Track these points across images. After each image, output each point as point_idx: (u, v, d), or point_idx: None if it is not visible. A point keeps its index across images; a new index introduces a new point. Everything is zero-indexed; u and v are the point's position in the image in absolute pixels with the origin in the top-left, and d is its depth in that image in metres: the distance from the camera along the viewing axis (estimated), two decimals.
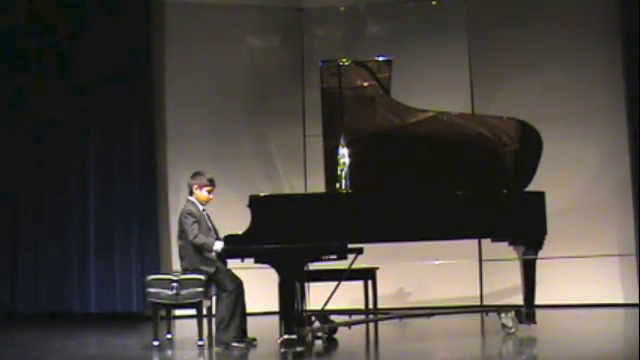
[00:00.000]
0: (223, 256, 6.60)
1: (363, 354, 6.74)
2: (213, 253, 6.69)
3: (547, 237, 6.87)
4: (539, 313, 6.99)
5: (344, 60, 6.61)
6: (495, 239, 7.19)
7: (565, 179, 8.86)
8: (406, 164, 6.95)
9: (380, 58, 6.92)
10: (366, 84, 6.81)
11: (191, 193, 6.98)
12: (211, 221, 6.99)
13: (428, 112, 6.99)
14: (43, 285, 9.04)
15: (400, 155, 6.95)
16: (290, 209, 6.23)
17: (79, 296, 8.97)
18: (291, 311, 6.15)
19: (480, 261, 9.31)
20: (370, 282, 7.80)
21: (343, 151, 6.48)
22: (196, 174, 7.01)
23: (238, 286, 6.75)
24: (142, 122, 9.18)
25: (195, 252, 6.76)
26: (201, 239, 6.71)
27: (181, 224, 6.84)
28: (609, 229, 8.90)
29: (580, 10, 9.18)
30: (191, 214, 6.80)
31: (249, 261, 6.24)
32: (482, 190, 6.84)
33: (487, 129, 7.03)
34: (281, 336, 6.28)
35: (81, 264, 8.98)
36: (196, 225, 6.76)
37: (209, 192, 6.96)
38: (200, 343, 6.75)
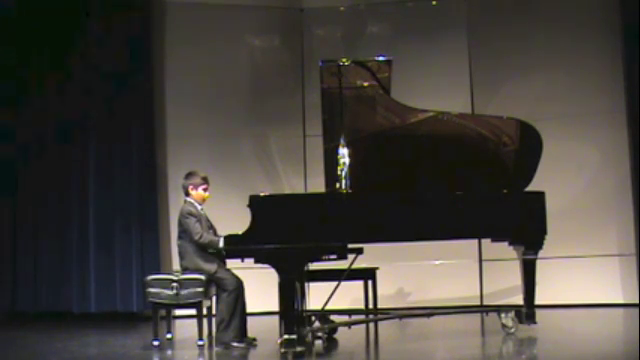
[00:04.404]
0: (224, 255, 6.61)
1: (363, 354, 6.73)
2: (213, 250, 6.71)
3: (547, 237, 6.86)
4: (539, 313, 6.99)
5: (344, 60, 6.61)
6: (495, 239, 7.19)
7: (565, 179, 8.87)
8: (406, 164, 6.95)
9: (380, 58, 6.91)
10: (366, 84, 6.81)
11: (187, 194, 6.98)
12: (209, 220, 7.00)
13: (428, 112, 6.99)
14: (43, 285, 9.04)
15: (400, 155, 6.95)
16: (290, 209, 6.23)
17: (79, 296, 8.97)
18: (291, 311, 6.15)
19: (480, 261, 9.31)
20: (370, 282, 7.80)
21: (343, 151, 6.47)
22: (189, 174, 7.01)
23: (238, 286, 6.76)
24: (142, 122, 9.17)
25: (196, 251, 6.77)
26: (207, 238, 6.71)
27: (181, 224, 6.84)
28: (609, 229, 8.90)
29: (580, 10, 9.19)
30: (191, 214, 6.81)
31: (249, 261, 6.23)
32: (482, 190, 6.85)
33: (487, 129, 7.03)
34: (281, 336, 6.28)
35: (81, 264, 8.98)
36: (198, 224, 6.77)
37: (205, 190, 6.97)
38: (200, 343, 6.75)
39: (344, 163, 6.46)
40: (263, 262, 6.16)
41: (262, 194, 6.32)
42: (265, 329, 7.21)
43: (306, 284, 6.97)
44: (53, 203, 9.11)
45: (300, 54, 9.78)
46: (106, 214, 9.04)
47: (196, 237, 6.71)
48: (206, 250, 6.75)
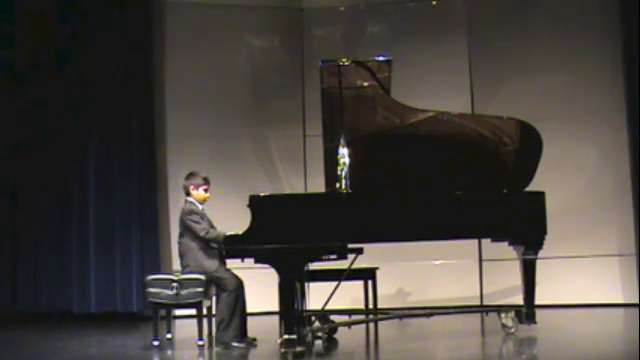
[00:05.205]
0: (224, 255, 6.62)
1: (363, 354, 6.73)
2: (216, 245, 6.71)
3: (547, 237, 6.86)
4: (539, 313, 6.99)
5: (344, 60, 6.61)
6: (495, 239, 7.19)
7: (565, 179, 8.87)
8: (406, 164, 6.95)
9: (380, 58, 6.92)
10: (366, 84, 6.81)
11: (188, 194, 6.98)
12: (209, 220, 7.00)
13: (428, 112, 6.99)
14: (43, 285, 9.03)
15: (400, 155, 6.95)
16: (290, 209, 6.23)
17: (79, 296, 8.97)
18: (291, 311, 6.15)
19: (480, 261, 9.31)
20: (370, 282, 7.80)
21: (343, 151, 6.47)
22: (190, 175, 7.02)
23: (238, 286, 6.76)
24: (142, 122, 9.17)
25: (199, 248, 6.78)
26: (213, 233, 6.74)
27: (183, 223, 6.84)
28: (609, 229, 8.90)
29: (580, 10, 9.18)
30: (194, 212, 6.82)
31: (249, 261, 6.24)
32: (482, 190, 6.85)
33: (487, 129, 7.03)
34: (281, 336, 6.28)
35: (81, 264, 8.98)
36: (203, 221, 6.79)
37: (205, 191, 6.98)
38: (200, 343, 6.75)
39: (344, 163, 6.46)
40: (263, 262, 6.16)
41: (262, 194, 6.32)
42: (265, 329, 7.21)
43: (306, 284, 6.98)
44: (53, 203, 9.11)
45: (300, 54, 9.78)
46: (106, 214, 9.04)
47: (202, 233, 6.72)
48: (209, 247, 6.76)
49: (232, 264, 6.73)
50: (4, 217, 9.08)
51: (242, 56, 9.71)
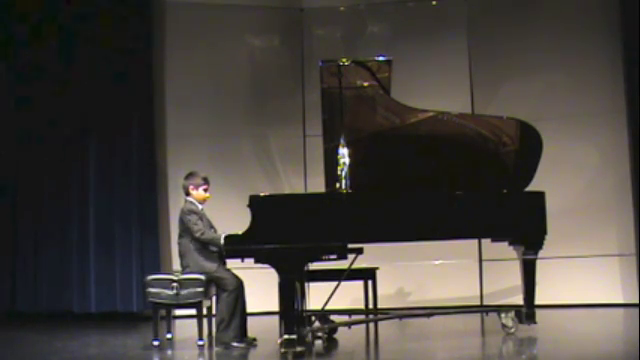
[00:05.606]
0: (224, 255, 6.61)
1: (363, 354, 6.73)
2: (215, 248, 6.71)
3: (547, 237, 6.86)
4: (539, 313, 6.98)
5: (344, 60, 6.61)
6: (495, 239, 7.19)
7: (565, 179, 8.87)
8: (406, 164, 6.95)
9: (380, 58, 6.93)
10: (366, 84, 6.81)
11: (187, 194, 6.98)
12: (209, 220, 7.00)
13: (428, 112, 6.99)
14: (43, 285, 9.03)
15: (400, 155, 6.95)
16: (290, 209, 6.23)
17: (79, 296, 8.97)
18: (291, 311, 6.15)
19: (480, 261, 9.31)
20: (370, 282, 7.80)
21: (343, 151, 6.48)
22: (190, 175, 7.02)
23: (238, 286, 6.76)
24: (142, 122, 9.18)
25: (198, 249, 6.77)
26: (208, 235, 6.73)
27: (183, 223, 6.84)
28: (609, 229, 8.90)
29: (580, 10, 9.19)
30: (193, 212, 6.82)
31: (249, 261, 6.24)
32: (482, 190, 6.85)
33: (487, 129, 7.03)
34: (281, 336, 6.28)
35: (81, 264, 8.98)
36: (200, 222, 6.78)
37: (205, 190, 6.97)
38: (200, 343, 6.75)
39: (344, 163, 6.46)
40: (263, 262, 6.16)
41: (262, 194, 6.32)
42: (265, 329, 7.21)
43: (306, 284, 6.98)
44: (53, 203, 9.10)
45: (300, 54, 9.79)
46: (106, 214, 9.04)
47: (197, 234, 6.72)
48: (207, 248, 6.76)
49: (232, 264, 6.73)
50: (4, 217, 9.08)
51: (242, 56, 9.71)
